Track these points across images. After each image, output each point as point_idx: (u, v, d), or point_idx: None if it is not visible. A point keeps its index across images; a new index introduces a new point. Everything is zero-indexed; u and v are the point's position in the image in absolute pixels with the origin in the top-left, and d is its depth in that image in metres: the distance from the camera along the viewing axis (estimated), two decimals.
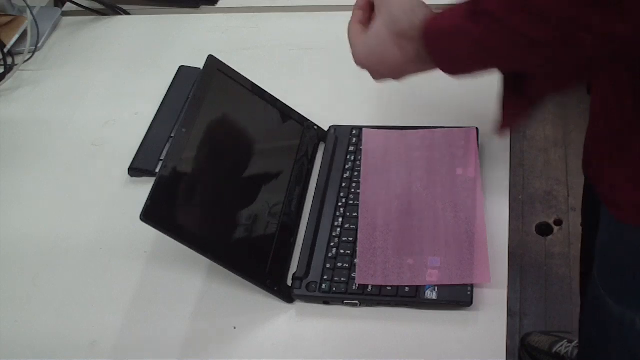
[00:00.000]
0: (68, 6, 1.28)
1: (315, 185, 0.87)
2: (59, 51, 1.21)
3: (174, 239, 0.71)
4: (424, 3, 0.68)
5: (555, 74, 0.65)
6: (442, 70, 0.67)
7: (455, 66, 0.67)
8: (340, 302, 0.76)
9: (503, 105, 0.73)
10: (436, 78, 0.99)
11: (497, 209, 0.81)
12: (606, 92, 0.70)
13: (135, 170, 0.94)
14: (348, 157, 0.89)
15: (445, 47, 0.65)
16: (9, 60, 1.16)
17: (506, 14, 0.55)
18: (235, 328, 0.76)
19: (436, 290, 0.74)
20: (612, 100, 0.70)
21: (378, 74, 0.74)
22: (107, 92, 1.11)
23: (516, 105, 0.72)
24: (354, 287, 0.75)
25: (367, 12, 0.75)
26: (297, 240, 0.82)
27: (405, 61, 0.70)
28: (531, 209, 1.95)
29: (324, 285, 0.76)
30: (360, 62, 0.73)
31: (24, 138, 1.05)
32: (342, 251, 0.79)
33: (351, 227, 0.81)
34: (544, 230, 1.90)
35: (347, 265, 0.77)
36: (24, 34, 1.18)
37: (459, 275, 0.74)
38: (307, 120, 0.93)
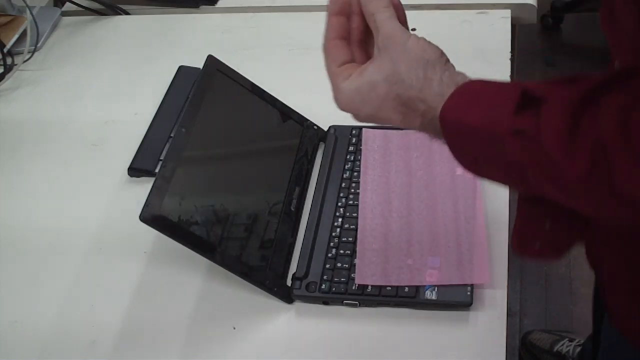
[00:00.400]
0: (68, 6, 1.28)
1: (315, 185, 0.87)
2: (58, 51, 1.21)
3: (174, 239, 0.71)
4: (441, 62, 0.54)
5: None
6: (460, 165, 0.54)
7: (479, 170, 0.54)
8: (340, 302, 0.76)
9: (518, 225, 0.59)
10: None
11: (497, 209, 0.81)
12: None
13: (135, 170, 0.94)
14: (348, 157, 0.89)
15: (470, 148, 0.52)
16: (9, 60, 1.16)
17: (566, 159, 0.44)
18: (235, 328, 0.76)
19: (436, 290, 0.74)
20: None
21: (360, 121, 0.60)
22: (107, 92, 1.11)
23: (537, 233, 0.57)
24: (353, 287, 0.75)
25: (342, 19, 0.58)
26: (297, 240, 0.82)
27: (404, 126, 0.57)
28: None
29: (323, 286, 0.76)
30: (345, 109, 0.59)
31: (24, 138, 1.05)
32: (341, 251, 0.79)
33: (351, 227, 0.81)
34: None
35: (346, 266, 0.77)
36: (24, 34, 1.17)
37: (458, 275, 0.74)
38: (307, 120, 0.93)
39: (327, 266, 0.78)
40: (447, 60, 0.55)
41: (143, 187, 0.74)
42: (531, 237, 0.58)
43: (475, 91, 0.52)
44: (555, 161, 0.44)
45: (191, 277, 0.81)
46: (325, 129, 0.94)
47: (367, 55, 0.59)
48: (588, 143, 0.42)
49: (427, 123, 0.54)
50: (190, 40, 1.18)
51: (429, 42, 0.55)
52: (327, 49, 0.59)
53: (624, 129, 0.41)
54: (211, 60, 0.84)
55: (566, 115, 0.44)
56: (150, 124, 0.99)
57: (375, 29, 0.56)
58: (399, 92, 0.54)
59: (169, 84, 1.05)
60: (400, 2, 0.58)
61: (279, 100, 0.91)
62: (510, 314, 1.66)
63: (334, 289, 0.76)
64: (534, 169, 0.47)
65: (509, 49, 1.03)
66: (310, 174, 0.90)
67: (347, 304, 0.76)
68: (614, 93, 0.43)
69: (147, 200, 0.70)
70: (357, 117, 0.59)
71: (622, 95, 0.43)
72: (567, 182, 0.45)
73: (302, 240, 0.81)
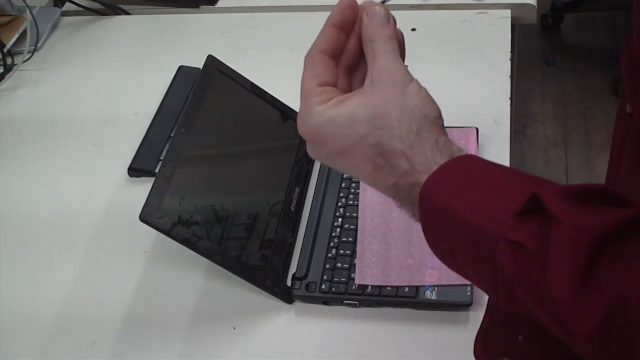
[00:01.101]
0: (67, 6, 1.28)
1: (315, 185, 0.87)
2: (58, 51, 1.21)
3: (174, 239, 0.71)
4: (438, 123, 0.46)
5: None
6: (433, 252, 0.48)
7: (454, 265, 0.46)
8: (340, 302, 0.76)
9: (484, 328, 0.53)
10: (435, 78, 0.99)
11: None
12: None
13: (135, 170, 0.94)
14: None
15: (449, 238, 0.44)
16: (9, 60, 1.16)
17: (574, 307, 0.36)
18: (235, 328, 0.76)
19: (436, 290, 0.74)
20: None
21: (317, 157, 0.51)
22: (107, 92, 1.11)
23: (505, 344, 0.50)
24: (353, 287, 0.75)
25: (341, 35, 0.50)
26: (297, 240, 0.82)
27: (370, 181, 0.48)
28: None
29: (323, 286, 0.76)
30: (307, 136, 0.49)
31: (24, 138, 1.05)
32: (341, 251, 0.79)
33: (351, 227, 0.81)
34: None
35: (346, 266, 0.77)
36: (24, 33, 1.17)
37: (458, 275, 0.74)
38: None
39: (327, 266, 0.78)
40: (443, 125, 0.47)
41: (143, 187, 0.73)
42: (498, 347, 0.51)
43: (473, 171, 0.43)
44: (560, 302, 0.36)
45: (191, 277, 0.81)
46: None
47: (349, 86, 0.51)
48: (606, 294, 0.35)
49: (403, 187, 0.45)
50: (190, 40, 1.18)
51: (431, 97, 0.47)
52: (312, 59, 0.50)
53: None
54: (211, 60, 0.84)
55: (583, 252, 0.35)
56: (150, 124, 0.99)
57: (372, 59, 0.47)
58: (382, 140, 0.45)
59: (169, 84, 1.05)
60: (403, 40, 0.50)
61: (279, 100, 0.91)
62: None
63: (334, 289, 0.76)
64: (527, 290, 0.38)
65: (509, 49, 1.03)
66: (310, 174, 0.90)
67: (347, 304, 0.76)
68: None
69: (147, 200, 0.70)
70: (316, 151, 0.50)
71: None
72: (569, 327, 0.37)
73: (302, 240, 0.81)
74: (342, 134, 0.46)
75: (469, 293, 0.73)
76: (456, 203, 0.41)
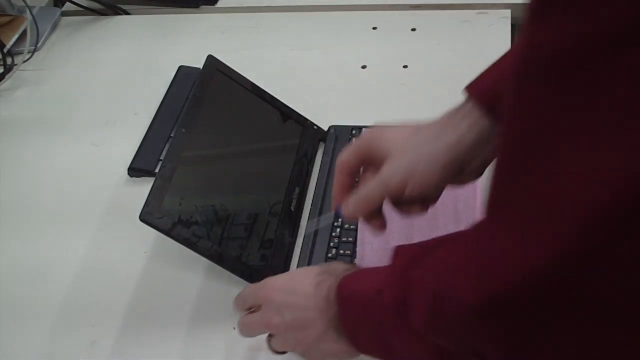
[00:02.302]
0: (68, 6, 1.28)
1: (315, 185, 0.87)
2: (58, 51, 1.21)
3: (173, 239, 0.71)
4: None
5: None
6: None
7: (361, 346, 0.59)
8: None
9: None
10: (435, 78, 1.00)
11: None
12: None
13: (135, 170, 0.94)
14: None
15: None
16: (9, 60, 1.16)
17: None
18: (235, 328, 0.76)
19: None
20: None
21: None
22: (107, 92, 1.11)
23: None
24: None
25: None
26: (297, 240, 0.82)
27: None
28: None
29: None
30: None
31: (24, 138, 1.05)
32: (341, 251, 0.79)
33: (351, 227, 0.81)
34: None
35: None
36: (24, 33, 1.17)
37: None
38: (307, 120, 0.93)
39: None
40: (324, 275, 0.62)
41: (143, 187, 0.74)
42: None
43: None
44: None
45: (191, 277, 0.81)
46: (325, 129, 0.94)
47: None
48: (421, 294, 0.48)
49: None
50: (190, 40, 1.18)
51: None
52: None
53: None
54: (211, 60, 0.84)
55: (396, 277, 0.52)
56: (150, 124, 0.99)
57: None
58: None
59: (169, 84, 1.05)
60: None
61: (279, 100, 0.91)
62: None
63: None
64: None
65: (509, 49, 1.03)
66: (310, 174, 0.90)
67: None
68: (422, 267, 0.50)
69: (147, 200, 0.70)
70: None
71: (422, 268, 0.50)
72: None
73: (302, 240, 0.81)
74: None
75: None
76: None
